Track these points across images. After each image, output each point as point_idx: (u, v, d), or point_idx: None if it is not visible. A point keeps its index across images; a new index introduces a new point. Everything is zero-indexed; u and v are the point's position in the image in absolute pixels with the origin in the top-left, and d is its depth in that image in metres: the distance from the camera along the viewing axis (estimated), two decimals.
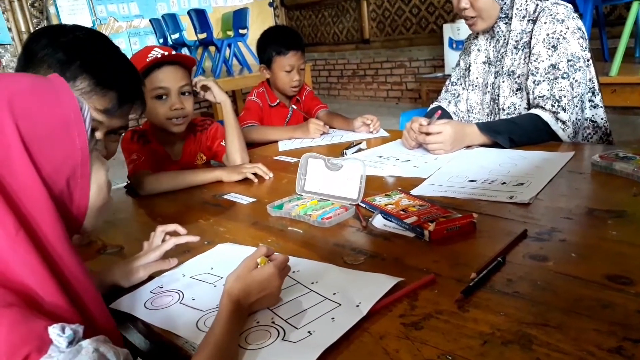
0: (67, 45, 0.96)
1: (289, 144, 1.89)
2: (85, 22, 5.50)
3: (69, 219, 0.65)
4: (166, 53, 1.52)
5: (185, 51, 5.72)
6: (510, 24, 1.57)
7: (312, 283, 0.85)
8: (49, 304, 0.56)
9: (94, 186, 0.67)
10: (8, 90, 0.60)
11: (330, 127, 2.00)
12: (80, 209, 0.66)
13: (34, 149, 0.59)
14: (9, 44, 5.44)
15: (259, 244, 1.03)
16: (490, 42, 1.67)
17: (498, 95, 1.63)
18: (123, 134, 1.08)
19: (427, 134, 1.48)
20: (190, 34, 5.42)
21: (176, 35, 5.40)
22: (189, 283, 0.92)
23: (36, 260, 0.56)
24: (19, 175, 0.58)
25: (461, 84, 1.79)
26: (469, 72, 1.74)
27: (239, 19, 5.40)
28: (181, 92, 1.56)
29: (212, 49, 5.41)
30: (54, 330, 0.51)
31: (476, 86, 1.72)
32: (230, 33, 5.55)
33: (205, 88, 1.63)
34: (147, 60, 1.48)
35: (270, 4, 6.91)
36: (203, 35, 5.14)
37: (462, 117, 1.78)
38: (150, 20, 5.75)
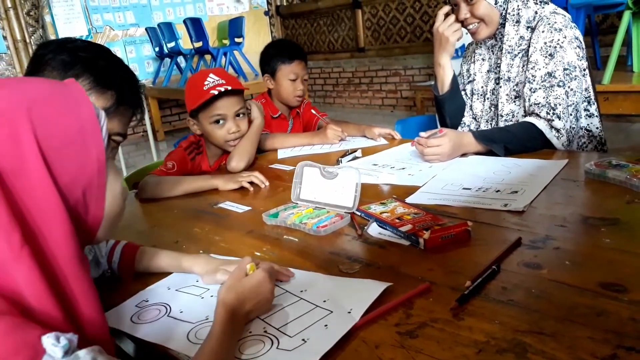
0: (70, 49, 1.00)
1: (288, 152, 1.90)
2: (81, 30, 5.50)
3: (84, 230, 0.64)
4: (221, 81, 1.62)
5: (180, 59, 5.74)
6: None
7: (301, 291, 0.85)
8: (43, 314, 0.56)
9: (109, 196, 0.65)
10: (28, 96, 0.58)
11: None
12: (95, 219, 0.65)
13: (52, 159, 0.57)
14: (4, 53, 5.43)
15: (253, 253, 1.04)
16: (492, 50, 1.68)
17: (498, 102, 1.64)
18: (121, 142, 1.09)
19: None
20: (186, 43, 5.43)
21: (172, 44, 5.41)
22: (175, 296, 0.91)
23: (37, 276, 0.55)
24: (33, 186, 0.56)
25: (462, 90, 1.80)
26: (472, 82, 1.75)
27: (234, 27, 5.43)
28: (236, 115, 1.67)
29: (208, 57, 5.43)
30: (48, 340, 0.50)
31: (481, 95, 1.73)
32: (226, 42, 5.57)
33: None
34: (204, 89, 1.60)
35: (266, 13, 6.94)
36: (199, 44, 5.16)
37: (469, 125, 1.79)
38: (146, 29, 5.77)
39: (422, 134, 1.50)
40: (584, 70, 1.54)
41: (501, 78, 1.61)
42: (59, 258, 0.58)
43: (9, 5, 5.35)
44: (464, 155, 1.51)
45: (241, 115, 1.69)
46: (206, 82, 1.62)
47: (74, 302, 0.60)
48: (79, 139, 0.60)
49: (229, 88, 1.61)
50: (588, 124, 1.62)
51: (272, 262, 0.91)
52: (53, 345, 0.50)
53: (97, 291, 0.63)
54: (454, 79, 1.73)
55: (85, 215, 0.64)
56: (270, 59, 2.10)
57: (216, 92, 1.59)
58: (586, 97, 1.59)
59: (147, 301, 0.90)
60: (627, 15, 2.81)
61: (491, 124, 1.70)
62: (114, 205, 0.66)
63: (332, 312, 0.77)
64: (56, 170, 0.58)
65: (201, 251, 1.07)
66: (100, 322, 0.64)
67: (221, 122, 1.66)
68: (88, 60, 0.99)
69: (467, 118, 1.77)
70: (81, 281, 0.60)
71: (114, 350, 0.68)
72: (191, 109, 1.67)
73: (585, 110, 1.60)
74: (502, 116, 1.63)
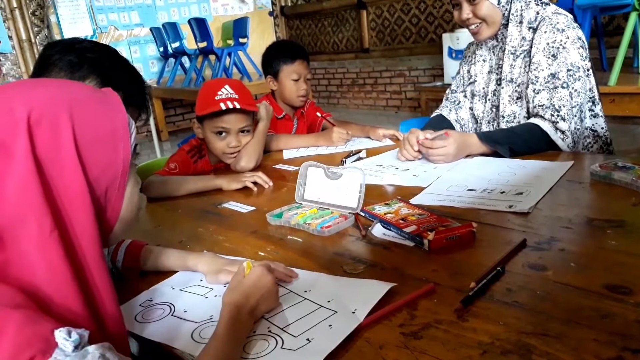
0: (78, 49, 1.00)
1: (293, 152, 1.90)
2: (86, 30, 5.52)
3: (101, 226, 0.66)
4: (234, 95, 1.61)
5: (185, 59, 5.75)
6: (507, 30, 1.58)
7: (305, 291, 0.85)
8: (61, 306, 0.57)
9: (127, 199, 0.68)
10: (71, 96, 0.63)
11: None
12: (112, 219, 0.68)
13: (85, 153, 0.61)
14: (10, 53, 5.46)
15: (257, 253, 1.04)
16: (493, 51, 1.68)
17: (499, 103, 1.64)
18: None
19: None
20: (190, 43, 5.44)
21: (176, 44, 5.42)
22: (179, 295, 0.91)
23: (63, 262, 0.57)
24: (66, 175, 0.60)
25: (462, 92, 1.80)
26: (473, 83, 1.74)
27: (239, 28, 5.43)
28: (240, 131, 1.67)
29: (212, 57, 5.43)
30: (60, 334, 0.51)
31: (482, 96, 1.73)
32: (231, 42, 5.57)
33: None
34: (215, 98, 1.59)
35: (270, 13, 6.95)
36: (203, 44, 5.17)
37: (465, 125, 1.79)
38: (150, 29, 5.78)
39: (428, 135, 1.50)
40: (588, 70, 1.53)
41: (503, 79, 1.61)
42: (84, 247, 0.60)
43: (15, 5, 5.38)
44: (468, 156, 1.51)
45: (245, 132, 1.69)
46: (219, 92, 1.61)
47: (97, 294, 0.62)
48: (110, 140, 0.65)
49: (238, 106, 1.60)
50: (593, 124, 1.61)
51: (278, 262, 0.91)
52: (64, 339, 0.51)
53: (115, 289, 0.65)
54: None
55: (104, 212, 0.66)
56: (272, 60, 2.10)
57: (224, 107, 1.59)
58: (590, 98, 1.58)
59: (152, 300, 0.90)
60: (633, 17, 2.80)
61: (492, 125, 1.69)
62: (129, 210, 0.69)
63: (336, 312, 0.77)
64: (87, 163, 0.62)
65: (205, 251, 1.07)
66: (120, 317, 0.65)
67: (223, 134, 1.65)
68: (95, 62, 0.99)
69: (462, 112, 1.76)
70: (103, 274, 0.62)
71: (129, 349, 0.69)
72: (198, 115, 1.67)
73: (590, 110, 1.60)
74: (503, 117, 1.62)
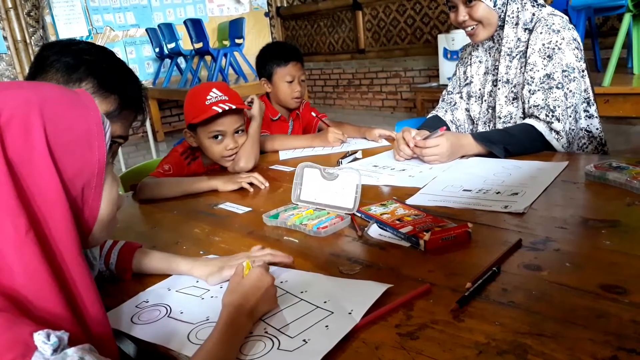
0: (75, 51, 0.99)
1: (290, 153, 1.90)
2: (82, 31, 5.51)
3: (80, 228, 0.65)
4: (224, 97, 1.60)
5: (181, 60, 5.75)
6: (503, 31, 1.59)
7: (302, 292, 0.85)
8: (42, 309, 0.56)
9: (105, 199, 0.68)
10: (41, 96, 0.62)
11: None
12: (90, 219, 0.67)
13: (58, 153, 0.61)
14: (5, 53, 5.44)
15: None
16: (489, 52, 1.68)
17: (496, 104, 1.64)
18: (121, 144, 1.09)
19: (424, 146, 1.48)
20: (186, 44, 5.44)
21: (172, 45, 5.42)
22: (175, 297, 0.91)
23: (40, 263, 0.57)
24: (39, 176, 0.59)
25: (458, 93, 1.80)
26: (470, 84, 1.75)
27: (235, 28, 5.44)
28: (235, 131, 1.66)
29: (208, 58, 5.43)
30: (39, 337, 0.51)
31: (478, 97, 1.73)
32: (227, 43, 5.58)
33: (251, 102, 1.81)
34: (206, 103, 1.58)
35: (266, 14, 6.95)
36: (199, 45, 5.16)
37: (461, 126, 1.79)
38: (146, 30, 5.77)
39: (417, 137, 1.50)
40: (583, 71, 1.54)
41: (499, 80, 1.62)
42: (62, 248, 0.60)
43: (10, 5, 5.36)
44: (464, 156, 1.51)
45: (240, 132, 1.68)
46: (208, 97, 1.59)
47: (78, 295, 0.61)
48: (84, 139, 0.64)
49: (233, 107, 1.59)
50: (588, 125, 1.62)
51: (268, 249, 0.95)
52: (43, 342, 0.51)
53: (97, 289, 0.64)
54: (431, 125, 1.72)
55: (81, 213, 0.65)
56: (266, 62, 2.10)
57: (219, 110, 1.57)
58: (585, 98, 1.59)
59: (148, 302, 0.90)
60: (627, 18, 2.82)
61: (489, 126, 1.70)
62: (108, 209, 0.69)
63: (332, 313, 0.77)
64: (61, 164, 0.61)
65: (201, 252, 1.07)
66: (104, 320, 0.65)
67: (219, 137, 1.64)
68: (92, 64, 0.99)
69: (458, 113, 1.76)
70: (84, 275, 0.62)
71: (116, 350, 0.68)
72: (191, 123, 1.64)
73: (584, 111, 1.60)
74: (500, 118, 1.63)
